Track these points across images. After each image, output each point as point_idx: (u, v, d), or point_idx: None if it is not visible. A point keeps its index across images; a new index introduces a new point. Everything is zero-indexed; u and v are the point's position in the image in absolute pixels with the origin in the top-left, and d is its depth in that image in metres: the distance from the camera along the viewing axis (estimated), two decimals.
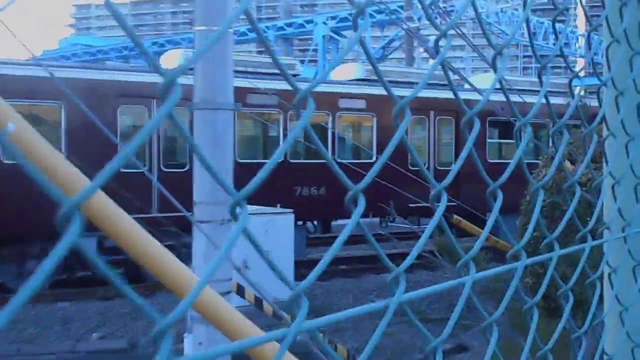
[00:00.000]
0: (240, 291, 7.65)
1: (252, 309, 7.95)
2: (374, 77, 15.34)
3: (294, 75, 15.10)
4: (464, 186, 11.98)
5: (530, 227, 1.15)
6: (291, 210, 10.96)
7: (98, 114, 12.17)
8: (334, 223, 16.60)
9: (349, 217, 0.82)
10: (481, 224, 11.56)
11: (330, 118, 15.17)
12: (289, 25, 33.02)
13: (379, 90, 14.12)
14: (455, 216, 11.21)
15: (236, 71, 13.29)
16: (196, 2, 5.61)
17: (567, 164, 6.54)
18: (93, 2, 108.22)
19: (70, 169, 2.11)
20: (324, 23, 30.55)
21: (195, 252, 5.71)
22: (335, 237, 0.79)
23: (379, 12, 28.06)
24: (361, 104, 15.54)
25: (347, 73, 16.24)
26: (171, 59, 14.45)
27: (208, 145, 5.83)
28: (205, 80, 5.85)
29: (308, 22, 32.25)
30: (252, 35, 33.02)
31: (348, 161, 14.41)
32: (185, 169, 13.38)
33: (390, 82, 1.22)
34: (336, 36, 30.76)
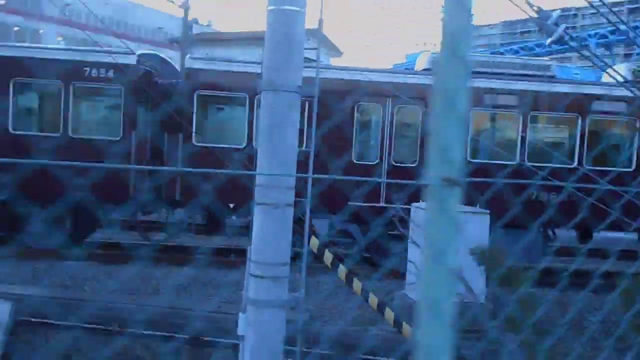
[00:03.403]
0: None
1: None
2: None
3: (550, 77, 12.96)
4: None
5: None
6: (488, 211, 9.20)
7: (340, 108, 12.12)
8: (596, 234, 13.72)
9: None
10: None
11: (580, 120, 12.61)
12: (612, 32, 29.32)
13: None
14: None
15: (478, 72, 11.88)
16: None
17: None
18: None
19: None
20: None
21: (254, 233, 5.13)
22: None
23: None
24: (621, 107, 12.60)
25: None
26: None
27: (266, 126, 5.21)
28: (270, 63, 5.19)
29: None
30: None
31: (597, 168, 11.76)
32: (414, 165, 12.53)
33: None
34: None
